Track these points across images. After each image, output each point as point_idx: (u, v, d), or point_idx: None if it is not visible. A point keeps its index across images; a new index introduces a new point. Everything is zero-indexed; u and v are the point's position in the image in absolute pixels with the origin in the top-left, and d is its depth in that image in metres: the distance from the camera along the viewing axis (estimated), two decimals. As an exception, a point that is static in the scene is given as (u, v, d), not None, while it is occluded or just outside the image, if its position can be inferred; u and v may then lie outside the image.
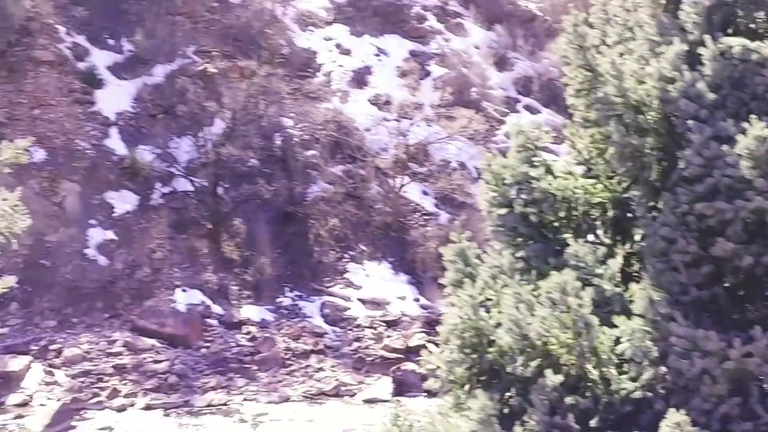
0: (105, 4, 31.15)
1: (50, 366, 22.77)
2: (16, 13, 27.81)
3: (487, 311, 6.70)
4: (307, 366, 23.90)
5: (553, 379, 6.02)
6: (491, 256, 7.17)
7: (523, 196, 6.88)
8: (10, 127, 26.23)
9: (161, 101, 29.29)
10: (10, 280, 10.87)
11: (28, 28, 28.36)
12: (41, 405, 21.51)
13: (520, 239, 6.96)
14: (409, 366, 22.88)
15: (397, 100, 30.50)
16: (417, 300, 26.34)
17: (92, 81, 28.96)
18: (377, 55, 33.95)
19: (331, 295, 26.25)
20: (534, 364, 6.28)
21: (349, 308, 25.92)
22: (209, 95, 28.55)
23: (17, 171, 10.14)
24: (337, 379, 23.51)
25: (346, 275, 26.94)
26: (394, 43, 34.70)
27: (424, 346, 23.55)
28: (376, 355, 24.44)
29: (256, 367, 23.62)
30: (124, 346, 23.56)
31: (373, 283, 26.71)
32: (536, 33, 35.33)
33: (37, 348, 23.17)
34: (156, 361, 23.46)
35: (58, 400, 21.56)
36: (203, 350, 24.11)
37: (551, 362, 6.22)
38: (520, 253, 6.93)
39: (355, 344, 24.85)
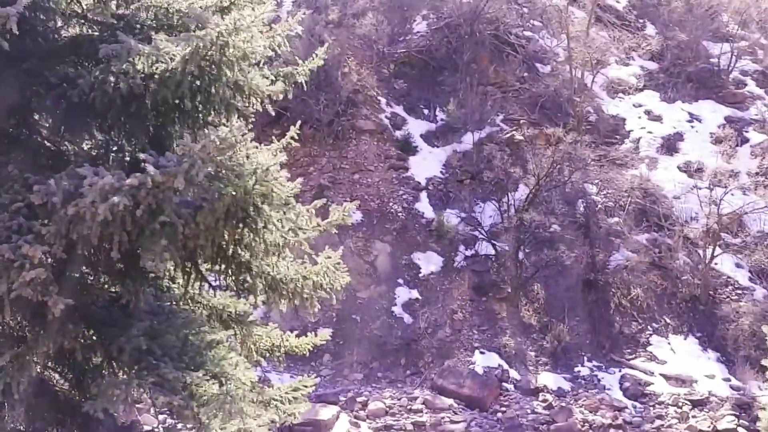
0: (422, 76, 34.00)
1: (356, 417, 23.61)
2: (344, 87, 31.27)
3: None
4: (605, 440, 23.43)
5: None
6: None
7: None
8: (333, 190, 28.98)
9: (469, 167, 31.08)
10: (327, 333, 11.56)
11: (354, 99, 31.52)
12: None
13: None
14: (716, 450, 21.88)
15: (709, 168, 29.91)
16: (727, 380, 25.10)
17: (407, 148, 31.51)
18: (690, 121, 33.57)
19: (632, 367, 25.77)
20: None
21: (652, 383, 25.23)
22: (515, 161, 29.73)
23: (338, 231, 11.26)
24: (635, 458, 22.83)
25: (648, 348, 26.33)
26: (709, 109, 34.08)
27: (735, 431, 22.70)
28: (679, 435, 23.54)
29: (551, 437, 23.38)
30: (423, 404, 24.13)
31: (678, 358, 25.92)
32: None
33: (345, 399, 24.08)
34: (453, 422, 23.82)
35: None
36: (499, 414, 24.18)
37: None
38: None
39: (657, 422, 23.97)
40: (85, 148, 8.21)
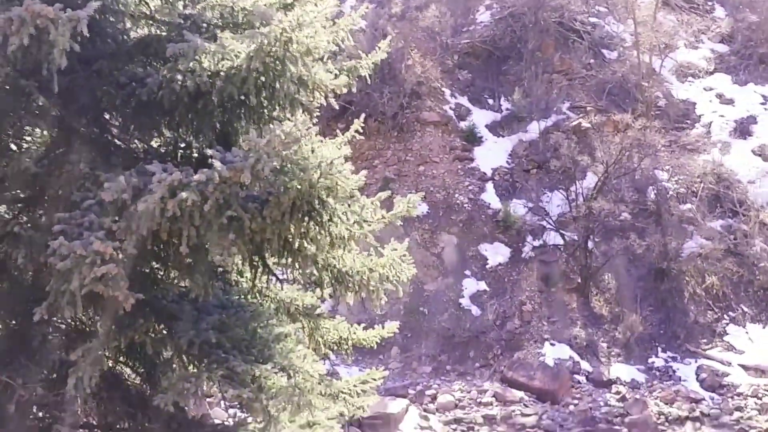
0: (487, 66, 33.92)
1: (425, 411, 23.60)
2: (408, 79, 31.38)
3: None
4: (683, 433, 23.05)
5: None
6: None
7: None
8: (398, 182, 29.09)
9: (535, 156, 30.91)
10: (395, 326, 11.64)
11: (418, 91, 31.59)
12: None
13: None
14: (799, 440, 21.30)
15: (785, 151, 29.17)
16: (809, 369, 24.44)
17: (472, 139, 31.44)
18: (763, 103, 32.81)
19: (708, 358, 25.28)
20: None
21: (729, 374, 24.67)
22: (582, 149, 29.24)
23: (403, 224, 11.18)
24: (716, 450, 22.45)
25: (725, 338, 25.81)
26: (782, 91, 33.29)
27: (816, 422, 22.11)
28: (760, 427, 22.81)
29: (626, 430, 22.95)
30: (493, 397, 24.05)
31: (756, 347, 25.29)
32: None
33: (414, 392, 24.11)
34: (524, 415, 23.62)
35: (433, 444, 22.53)
36: (571, 407, 23.93)
37: None
38: None
39: (737, 414, 23.39)
40: (154, 146, 8.42)
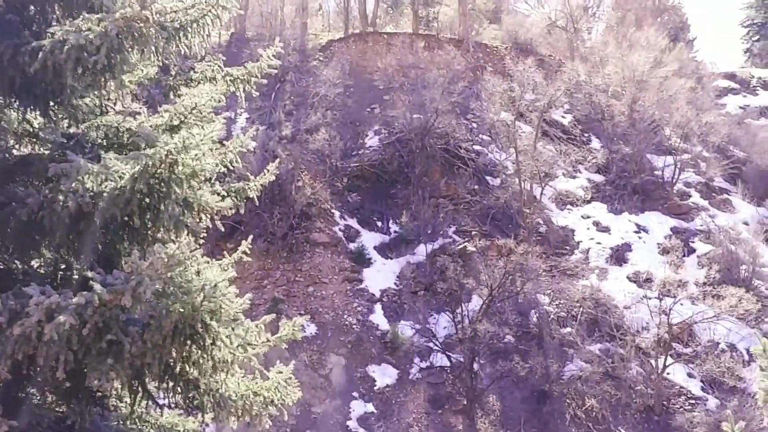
0: (375, 189, 34.64)
1: None
2: (298, 200, 31.64)
3: None
4: None
5: None
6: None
7: (805, 385, 6.52)
8: (287, 303, 28.83)
9: (422, 279, 31.35)
10: None
11: (308, 213, 31.95)
12: None
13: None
14: None
15: (658, 278, 30.41)
16: (685, 492, 24.99)
17: (361, 260, 31.77)
18: (637, 231, 34.41)
19: (590, 480, 25.59)
20: None
21: (611, 496, 25.04)
22: (467, 273, 29.82)
23: (291, 345, 10.99)
24: None
25: (605, 460, 26.10)
26: (655, 220, 35.01)
27: None
28: None
29: None
30: None
31: (635, 470, 25.75)
32: (814, 207, 34.30)
33: None
34: None
35: None
36: None
37: None
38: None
39: None
40: (35, 266, 8.18)
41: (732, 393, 26.73)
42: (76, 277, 7.75)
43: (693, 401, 27.30)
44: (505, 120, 37.16)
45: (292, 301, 29.35)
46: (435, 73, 37.14)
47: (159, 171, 7.14)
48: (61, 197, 7.14)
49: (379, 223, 33.81)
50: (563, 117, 41.66)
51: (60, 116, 8.04)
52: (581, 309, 29.80)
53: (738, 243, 32.39)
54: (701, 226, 34.59)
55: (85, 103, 8.22)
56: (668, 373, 27.70)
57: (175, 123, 8.28)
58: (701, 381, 27.86)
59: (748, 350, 27.16)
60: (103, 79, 7.68)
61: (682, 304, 28.39)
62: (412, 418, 27.03)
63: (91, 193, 7.19)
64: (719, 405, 26.43)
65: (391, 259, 32.39)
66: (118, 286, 6.51)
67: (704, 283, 29.97)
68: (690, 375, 28.18)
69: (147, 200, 7.35)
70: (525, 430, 26.61)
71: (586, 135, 41.05)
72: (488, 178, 36.39)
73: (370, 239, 32.90)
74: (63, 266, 7.93)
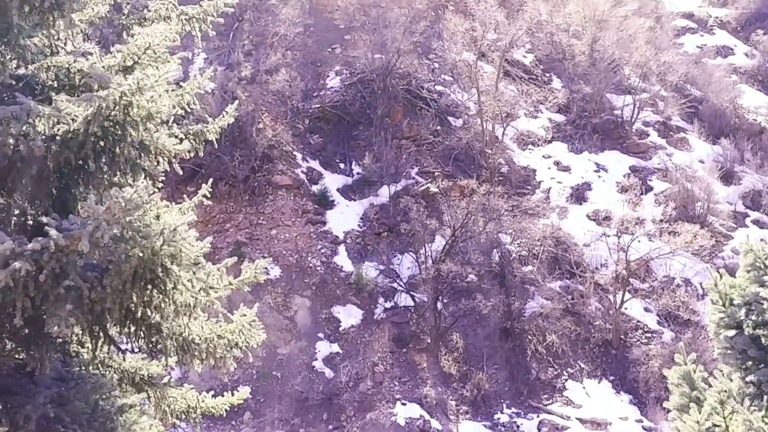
0: (338, 131, 34.31)
1: None
2: (259, 143, 31.23)
3: (715, 439, 6.30)
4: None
5: None
6: (719, 379, 6.92)
7: (753, 317, 6.63)
8: (251, 246, 28.74)
9: (386, 220, 31.35)
10: (245, 392, 11.51)
11: (270, 155, 31.59)
12: None
13: (750, 363, 6.71)
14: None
15: (617, 216, 30.72)
16: (640, 421, 25.68)
17: (324, 202, 31.60)
18: (596, 171, 34.64)
19: (549, 413, 26.07)
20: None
21: (569, 427, 25.55)
22: (431, 213, 30.00)
23: (255, 287, 10.87)
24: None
25: (564, 393, 26.70)
26: (614, 159, 35.25)
27: (647, 470, 23.07)
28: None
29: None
30: None
31: (592, 402, 26.32)
32: (765, 146, 34.70)
33: None
34: None
35: None
36: None
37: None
38: (750, 378, 6.67)
39: None
40: (-14, 213, 7.93)
41: (686, 326, 27.39)
42: (31, 222, 7.53)
43: (649, 335, 27.95)
44: (467, 60, 36.89)
45: (255, 244, 29.22)
46: (396, 12, 36.57)
47: (113, 113, 6.84)
48: (11, 141, 6.85)
49: (342, 165, 33.58)
50: (525, 57, 41.46)
51: (8, 57, 7.70)
52: (542, 247, 30.07)
53: (694, 181, 32.82)
54: (659, 164, 34.95)
55: (33, 43, 7.88)
56: (626, 308, 28.26)
57: (129, 64, 7.96)
58: (657, 315, 28.51)
59: (701, 284, 27.66)
60: (51, 18, 7.34)
61: (639, 241, 28.85)
62: (377, 357, 27.28)
63: (43, 137, 6.91)
64: (674, 338, 27.08)
65: (354, 200, 32.27)
66: (74, 231, 6.29)
67: (661, 220, 30.39)
68: (647, 309, 28.78)
69: (102, 143, 7.05)
70: (488, 367, 27.07)
71: (547, 75, 40.95)
72: (450, 118, 36.24)
73: (332, 181, 32.69)
74: (17, 212, 7.69)
